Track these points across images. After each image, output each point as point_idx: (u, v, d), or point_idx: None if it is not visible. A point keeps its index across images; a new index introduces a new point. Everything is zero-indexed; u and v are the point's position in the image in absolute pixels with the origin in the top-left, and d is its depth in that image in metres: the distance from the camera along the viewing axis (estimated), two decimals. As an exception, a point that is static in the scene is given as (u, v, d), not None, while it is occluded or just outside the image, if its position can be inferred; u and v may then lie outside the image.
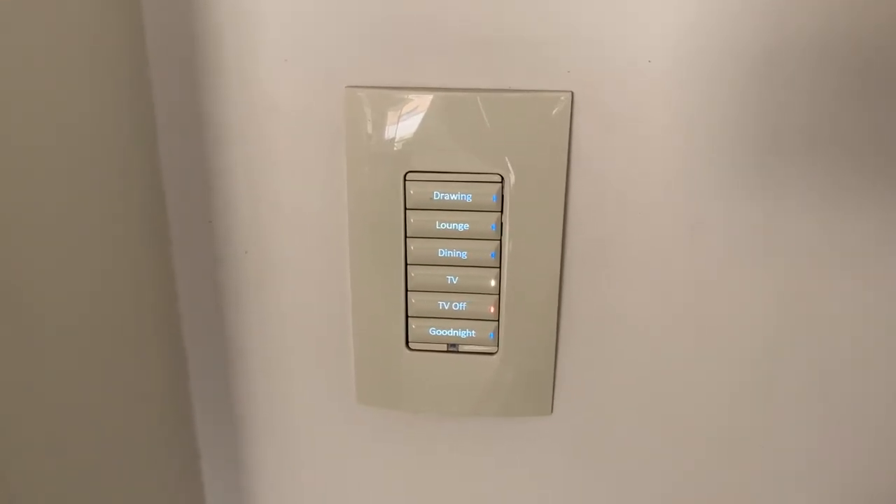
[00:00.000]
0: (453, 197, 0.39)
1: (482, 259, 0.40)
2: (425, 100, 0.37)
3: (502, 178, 0.38)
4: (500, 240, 0.39)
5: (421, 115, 0.38)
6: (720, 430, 0.43)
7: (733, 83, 0.36)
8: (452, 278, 0.40)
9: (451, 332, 0.41)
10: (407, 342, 0.42)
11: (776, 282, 0.40)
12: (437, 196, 0.39)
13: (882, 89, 0.36)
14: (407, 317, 0.41)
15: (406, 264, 0.40)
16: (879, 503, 0.44)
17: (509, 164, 0.38)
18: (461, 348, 0.42)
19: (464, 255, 0.40)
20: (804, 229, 0.39)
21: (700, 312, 0.41)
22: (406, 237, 0.40)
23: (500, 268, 0.40)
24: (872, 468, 0.44)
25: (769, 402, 0.42)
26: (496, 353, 0.42)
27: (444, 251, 0.40)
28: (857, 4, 0.34)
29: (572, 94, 0.37)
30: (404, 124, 0.38)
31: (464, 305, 0.41)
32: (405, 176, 0.39)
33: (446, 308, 0.41)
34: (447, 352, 0.42)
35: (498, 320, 0.41)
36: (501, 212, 0.39)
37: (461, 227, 0.39)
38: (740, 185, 0.38)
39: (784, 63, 0.36)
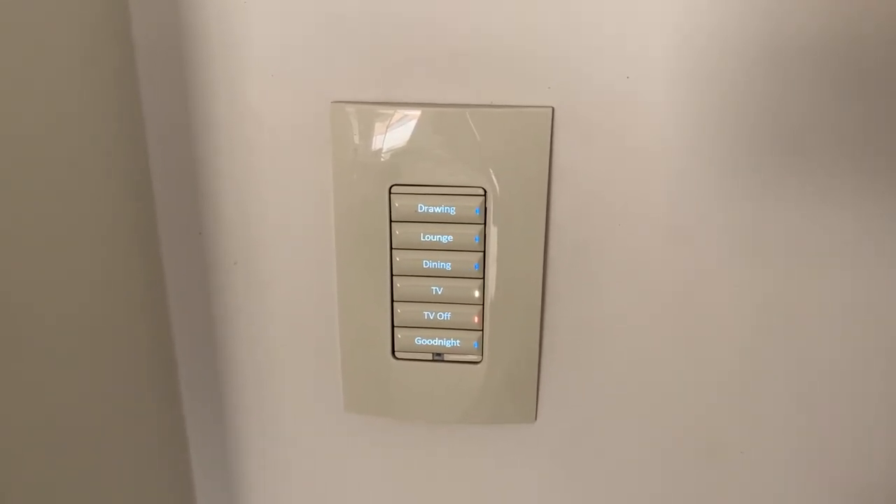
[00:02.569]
0: (437, 210, 0.39)
1: (466, 270, 0.40)
2: (410, 115, 0.38)
3: (485, 191, 0.39)
4: (484, 251, 0.40)
5: (405, 130, 0.38)
6: (704, 433, 0.44)
7: (709, 94, 0.37)
8: (437, 289, 0.41)
9: (437, 342, 0.42)
10: (393, 351, 0.43)
11: (760, 285, 0.40)
12: (421, 209, 0.39)
13: (876, 89, 0.36)
14: (393, 326, 0.42)
15: (392, 275, 0.41)
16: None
17: (492, 178, 0.39)
18: (446, 357, 0.42)
19: (448, 266, 0.40)
20: (786, 233, 0.39)
21: (682, 319, 0.41)
22: (392, 249, 0.40)
23: (483, 278, 0.41)
24: (859, 470, 0.44)
25: (754, 407, 0.43)
26: (480, 361, 0.42)
27: (429, 262, 0.40)
28: (854, 5, 0.35)
29: (553, 109, 0.38)
30: (389, 138, 0.39)
31: (448, 315, 0.41)
32: (390, 189, 0.39)
33: (431, 318, 0.41)
34: (433, 361, 0.43)
35: (482, 330, 0.42)
36: (485, 224, 0.40)
37: (445, 238, 0.40)
38: (720, 192, 0.39)
39: (761, 71, 0.37)
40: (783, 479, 0.45)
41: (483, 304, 0.41)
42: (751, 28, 0.36)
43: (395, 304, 0.41)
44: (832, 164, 0.38)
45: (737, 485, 0.45)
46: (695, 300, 0.41)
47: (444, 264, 0.40)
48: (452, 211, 0.39)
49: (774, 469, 0.45)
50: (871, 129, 0.37)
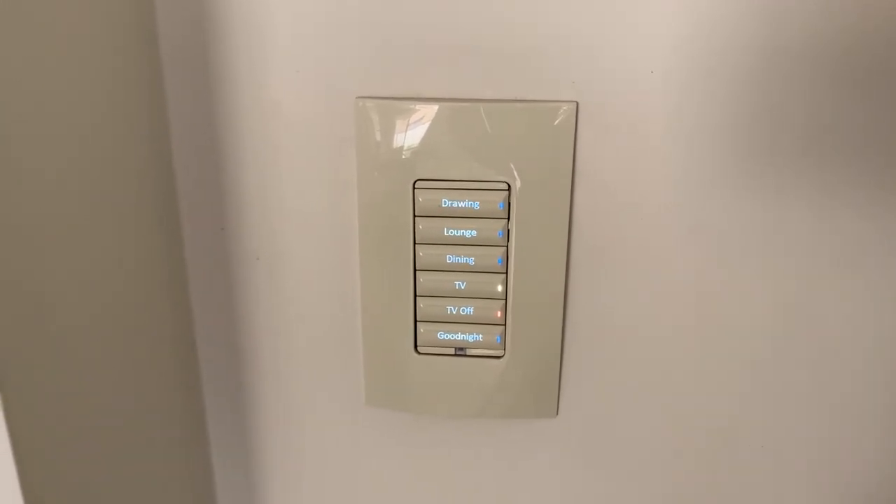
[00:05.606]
0: (461, 204, 0.39)
1: (489, 265, 0.41)
2: (433, 110, 0.38)
3: (509, 186, 0.39)
4: (507, 246, 0.40)
5: (429, 125, 0.38)
6: (722, 430, 0.44)
7: (732, 91, 0.37)
8: (460, 284, 0.41)
9: (459, 336, 0.42)
10: (415, 346, 0.43)
11: (777, 283, 0.40)
12: (445, 203, 0.39)
13: (880, 89, 0.36)
14: (415, 321, 0.42)
15: (415, 270, 0.41)
16: (879, 502, 0.45)
17: (515, 173, 0.39)
18: (468, 352, 0.43)
19: (471, 261, 0.40)
20: (804, 231, 0.39)
21: (702, 315, 0.42)
22: (415, 244, 0.41)
23: (506, 273, 0.41)
24: (873, 466, 0.44)
25: (771, 403, 0.43)
26: (503, 356, 0.42)
27: (452, 257, 0.41)
28: (855, 6, 0.35)
29: (577, 103, 0.38)
30: (413, 134, 0.39)
31: (471, 310, 0.41)
32: (414, 184, 0.39)
33: (454, 313, 0.42)
34: (455, 355, 0.43)
35: (504, 324, 0.42)
36: (508, 219, 0.40)
37: (469, 233, 0.40)
38: (740, 190, 0.39)
39: (783, 67, 0.37)
40: (800, 474, 0.45)
41: (506, 299, 0.41)
42: (776, 25, 0.36)
43: (417, 298, 0.42)
44: (847, 164, 0.38)
45: (755, 478, 0.45)
46: (714, 297, 0.41)
47: (468, 259, 0.40)
48: (476, 206, 0.39)
49: (792, 464, 0.45)
50: (886, 130, 0.37)
